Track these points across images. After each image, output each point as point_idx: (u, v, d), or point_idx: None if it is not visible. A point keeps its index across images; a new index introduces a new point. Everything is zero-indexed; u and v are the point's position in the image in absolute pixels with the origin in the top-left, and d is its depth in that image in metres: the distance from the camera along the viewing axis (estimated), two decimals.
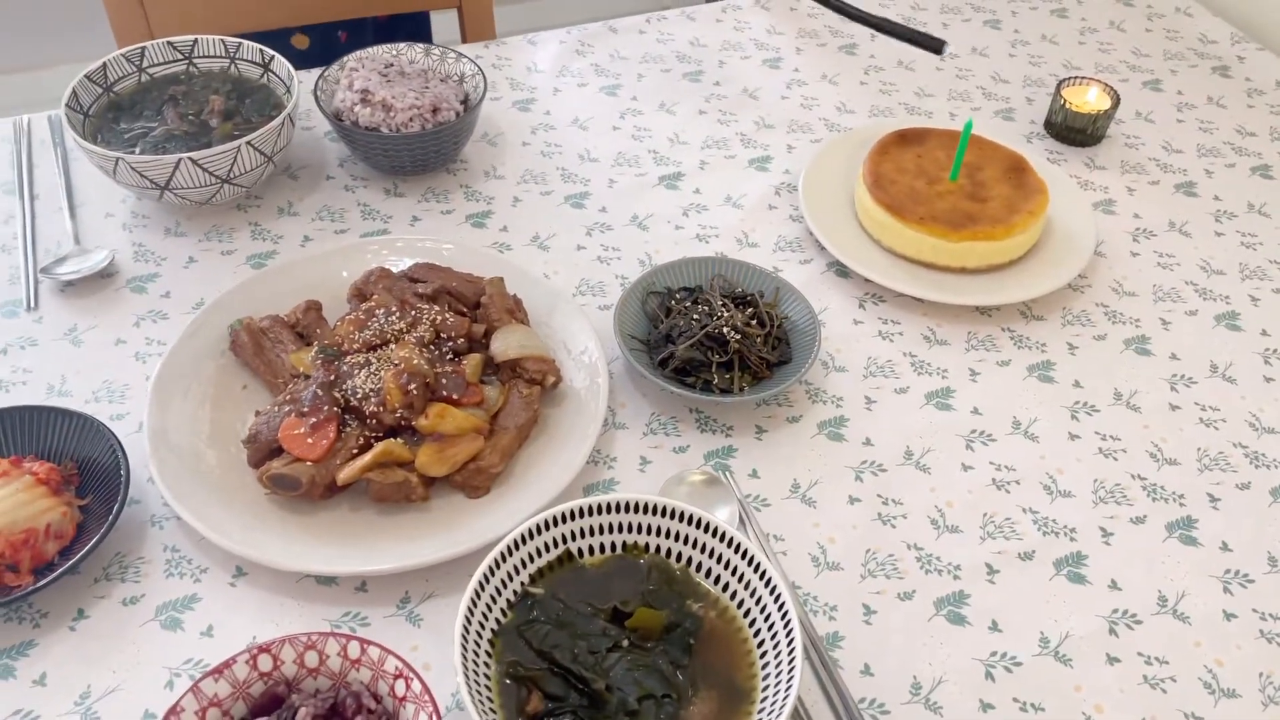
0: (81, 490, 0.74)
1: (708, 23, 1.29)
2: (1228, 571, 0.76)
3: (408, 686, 0.60)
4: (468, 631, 0.61)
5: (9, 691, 0.65)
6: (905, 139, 1.04)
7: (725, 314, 0.85)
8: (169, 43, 1.01)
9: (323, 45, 1.36)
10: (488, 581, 0.64)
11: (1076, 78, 1.15)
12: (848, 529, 0.78)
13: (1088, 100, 1.14)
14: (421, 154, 1.00)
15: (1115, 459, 0.83)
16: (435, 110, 0.99)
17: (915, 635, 0.72)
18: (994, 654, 0.71)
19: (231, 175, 0.92)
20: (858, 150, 1.07)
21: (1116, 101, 1.12)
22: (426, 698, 0.59)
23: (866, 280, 0.97)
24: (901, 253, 0.97)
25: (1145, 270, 1.00)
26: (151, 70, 1.01)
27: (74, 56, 1.11)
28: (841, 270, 0.98)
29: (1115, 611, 0.73)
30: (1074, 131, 1.14)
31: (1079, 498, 0.80)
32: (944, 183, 1.00)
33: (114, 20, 1.19)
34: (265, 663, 0.60)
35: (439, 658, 0.68)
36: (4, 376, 0.83)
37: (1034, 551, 0.77)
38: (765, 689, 0.62)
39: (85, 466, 0.74)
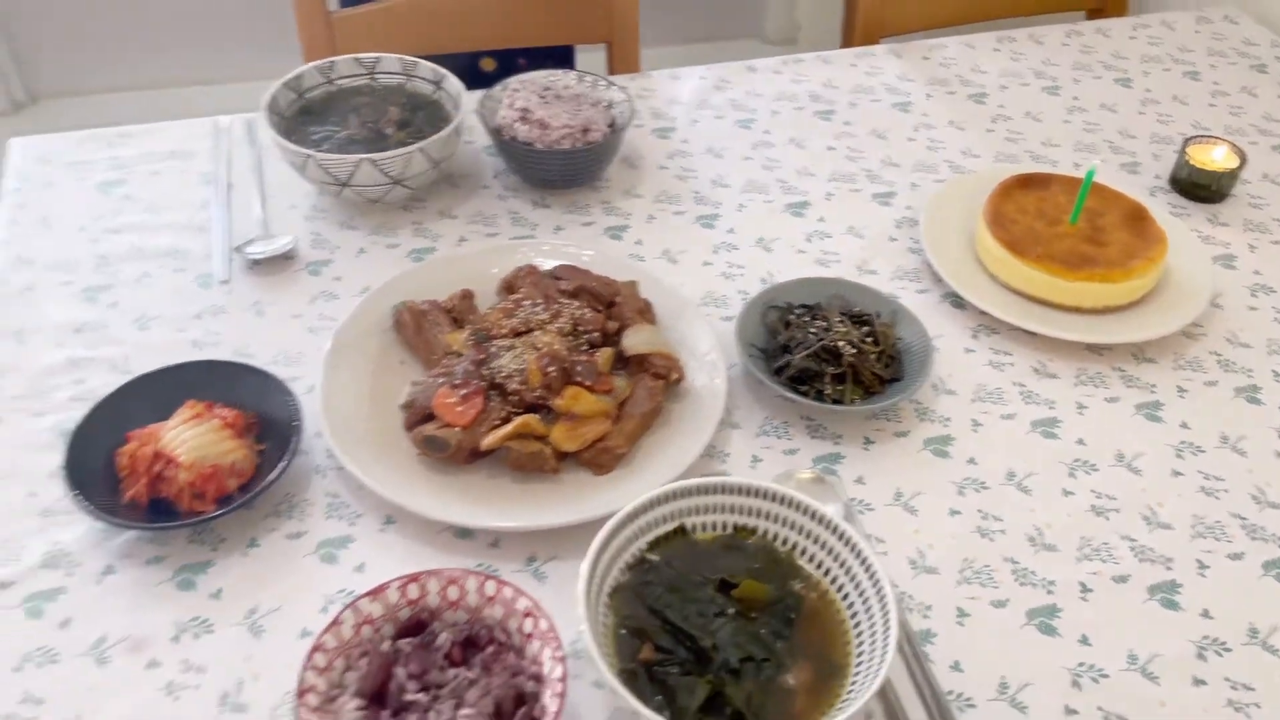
0: (260, 437, 0.84)
1: (841, 67, 1.36)
2: None
3: (535, 624, 0.67)
4: (590, 582, 0.68)
5: (190, 600, 0.75)
6: (1028, 183, 1.09)
7: (842, 329, 0.91)
8: (355, 58, 1.13)
9: (506, 68, 1.52)
10: (610, 542, 0.70)
11: (1204, 136, 1.17)
12: (947, 538, 0.82)
13: (1214, 158, 1.16)
14: (570, 169, 1.09)
15: (1217, 498, 0.85)
16: (585, 130, 1.08)
17: (1006, 640, 0.75)
18: (1082, 664, 0.74)
19: (402, 177, 1.03)
20: (980, 191, 1.12)
21: (1243, 161, 1.14)
22: (551, 635, 0.66)
23: (981, 313, 1.01)
24: (1017, 289, 1.01)
25: (1262, 325, 1.02)
26: (339, 82, 1.13)
27: (266, 73, 1.26)
28: (957, 301, 1.03)
29: (1205, 638, 0.75)
30: (1198, 188, 1.16)
31: (1177, 530, 0.83)
32: (1064, 225, 1.04)
33: (304, 40, 1.33)
34: (414, 591, 0.68)
35: (560, 613, 0.75)
36: (198, 338, 0.94)
37: (1129, 576, 0.80)
38: (859, 666, 0.67)
39: (264, 417, 0.85)
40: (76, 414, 0.82)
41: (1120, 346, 0.98)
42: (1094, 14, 1.62)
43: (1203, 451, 0.89)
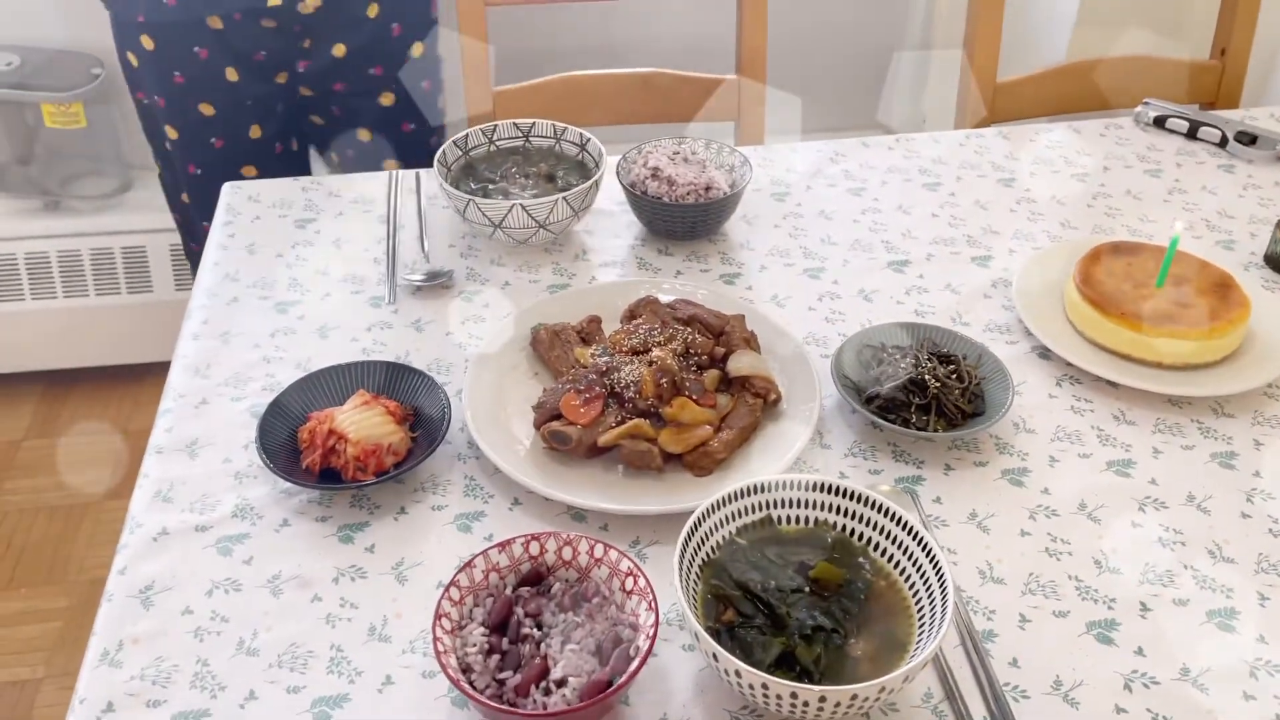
0: (414, 426, 0.98)
1: (951, 145, 1.47)
2: None
3: (635, 583, 0.78)
4: (685, 550, 0.78)
5: (349, 552, 0.89)
6: (1119, 249, 1.16)
7: (929, 365, 1.00)
8: (514, 123, 1.31)
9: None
10: (703, 521, 0.81)
11: None
12: (1016, 555, 0.89)
13: None
14: (692, 222, 1.23)
15: None
16: (708, 189, 1.22)
17: (1064, 644, 0.82)
18: (1135, 672, 0.79)
19: (546, 222, 1.18)
20: (1074, 257, 1.19)
21: None
22: (648, 591, 0.76)
23: (1066, 364, 1.08)
24: (1102, 344, 1.08)
25: None
26: (499, 142, 1.31)
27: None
28: (1044, 354, 1.10)
29: (1259, 660, 0.80)
30: None
31: (1241, 565, 0.88)
32: (1150, 288, 1.11)
33: (470, 109, 1.53)
34: (535, 548, 0.80)
35: (657, 590, 0.85)
36: (368, 346, 1.11)
37: (1189, 600, 0.85)
38: (919, 644, 0.75)
39: (419, 411, 0.99)
40: (268, 400, 0.99)
41: (1200, 401, 1.04)
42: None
43: (1273, 498, 0.94)
